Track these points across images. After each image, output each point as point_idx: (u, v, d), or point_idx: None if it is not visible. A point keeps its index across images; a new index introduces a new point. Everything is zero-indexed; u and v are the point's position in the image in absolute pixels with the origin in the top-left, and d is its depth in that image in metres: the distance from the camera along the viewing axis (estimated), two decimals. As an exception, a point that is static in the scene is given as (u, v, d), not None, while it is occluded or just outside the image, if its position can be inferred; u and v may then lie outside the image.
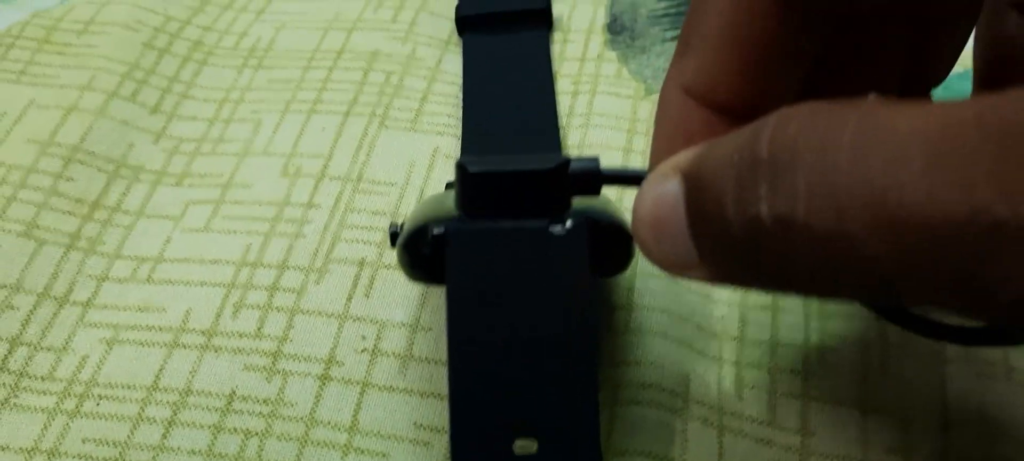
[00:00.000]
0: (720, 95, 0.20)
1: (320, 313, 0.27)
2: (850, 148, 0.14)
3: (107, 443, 0.24)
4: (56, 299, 0.28)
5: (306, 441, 0.24)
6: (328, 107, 0.33)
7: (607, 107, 0.33)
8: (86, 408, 0.25)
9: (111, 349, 0.27)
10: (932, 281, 0.14)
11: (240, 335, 0.27)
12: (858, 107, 0.14)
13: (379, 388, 0.25)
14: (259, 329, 0.27)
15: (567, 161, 0.20)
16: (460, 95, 0.34)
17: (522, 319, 0.20)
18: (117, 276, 0.29)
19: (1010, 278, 0.13)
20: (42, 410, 0.25)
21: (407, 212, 0.30)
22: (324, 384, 0.25)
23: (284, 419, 0.25)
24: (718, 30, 0.20)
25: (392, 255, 0.28)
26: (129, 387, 0.26)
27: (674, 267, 0.18)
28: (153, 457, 0.24)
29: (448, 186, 0.28)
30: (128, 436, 0.25)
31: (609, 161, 0.31)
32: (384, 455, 0.24)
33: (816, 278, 0.15)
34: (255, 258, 0.29)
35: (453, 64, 0.35)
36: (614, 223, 0.21)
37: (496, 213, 0.21)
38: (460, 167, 0.20)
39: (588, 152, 0.31)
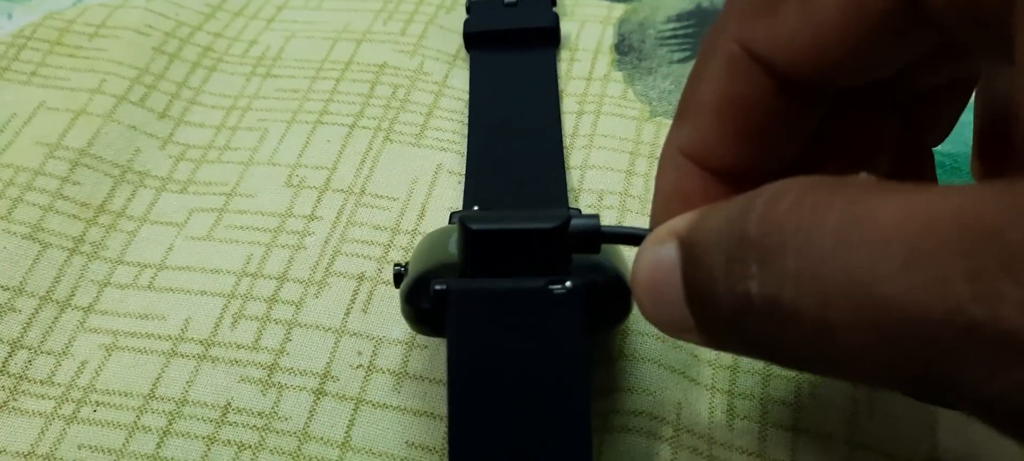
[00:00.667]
0: (717, 160, 0.20)
1: (317, 327, 0.27)
2: (834, 235, 0.14)
3: (102, 450, 0.25)
4: (58, 303, 0.28)
5: (299, 456, 0.24)
6: (334, 119, 0.34)
7: (611, 128, 0.33)
8: (83, 414, 0.26)
9: (110, 355, 0.27)
10: (912, 374, 0.14)
11: (238, 346, 0.27)
12: (845, 190, 0.14)
13: (373, 405, 0.25)
14: (256, 341, 0.27)
15: (568, 220, 0.21)
16: (466, 111, 0.34)
17: (520, 375, 0.21)
18: (119, 282, 0.29)
19: (987, 378, 0.13)
20: (40, 414, 0.26)
21: (408, 227, 0.30)
22: (318, 399, 0.26)
23: (278, 433, 0.25)
24: (714, 99, 0.20)
25: (391, 271, 0.29)
26: (126, 394, 0.26)
27: (671, 330, 0.18)
28: (147, 466, 0.24)
29: (452, 217, 0.28)
30: (123, 444, 0.25)
31: (610, 183, 0.31)
32: (375, 473, 0.24)
33: (804, 358, 0.15)
34: (256, 269, 0.29)
35: (460, 79, 0.35)
36: (612, 281, 0.22)
37: (497, 269, 0.21)
38: (462, 224, 0.21)
39: (590, 174, 0.31)
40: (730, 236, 0.16)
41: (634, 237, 0.20)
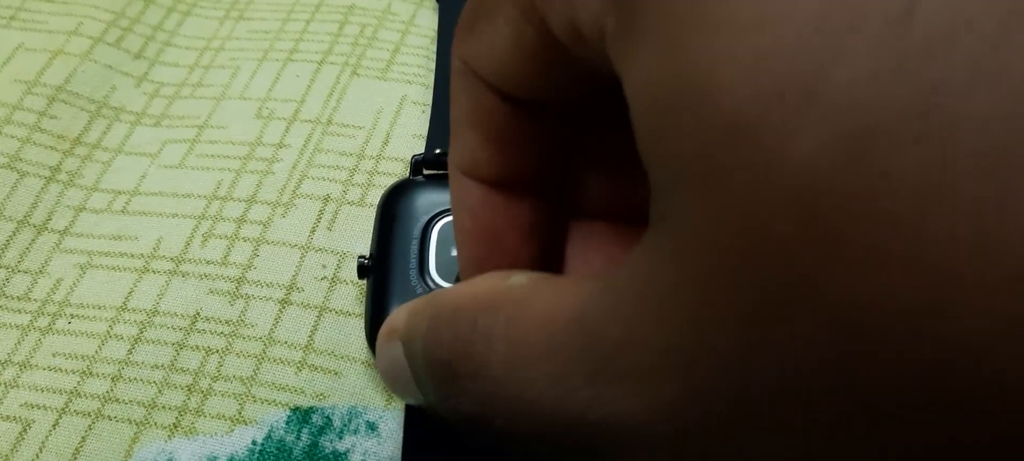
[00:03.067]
0: (483, 172, 0.21)
1: (284, 243, 0.28)
2: (504, 365, 0.15)
3: (76, 357, 0.26)
4: (35, 227, 0.29)
5: (264, 358, 0.26)
6: (303, 56, 0.35)
7: (572, 61, 0.34)
8: (58, 326, 0.27)
9: (85, 273, 0.28)
10: None
11: (207, 262, 0.28)
12: (505, 309, 0.16)
13: (336, 313, 0.27)
14: (225, 257, 0.28)
15: None
16: (432, 48, 0.35)
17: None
18: (94, 207, 0.30)
19: None
20: (16, 327, 0.27)
21: (372, 153, 0.31)
22: (284, 308, 0.27)
23: (244, 338, 0.26)
24: (463, 114, 0.21)
25: (356, 191, 0.30)
26: (99, 307, 0.27)
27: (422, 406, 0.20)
28: (118, 371, 0.25)
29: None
30: (96, 351, 0.26)
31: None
32: (336, 373, 0.25)
33: (511, 454, 0.17)
34: (225, 193, 0.30)
35: (427, 18, 0.36)
36: None
37: None
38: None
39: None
40: (430, 360, 0.17)
41: None
